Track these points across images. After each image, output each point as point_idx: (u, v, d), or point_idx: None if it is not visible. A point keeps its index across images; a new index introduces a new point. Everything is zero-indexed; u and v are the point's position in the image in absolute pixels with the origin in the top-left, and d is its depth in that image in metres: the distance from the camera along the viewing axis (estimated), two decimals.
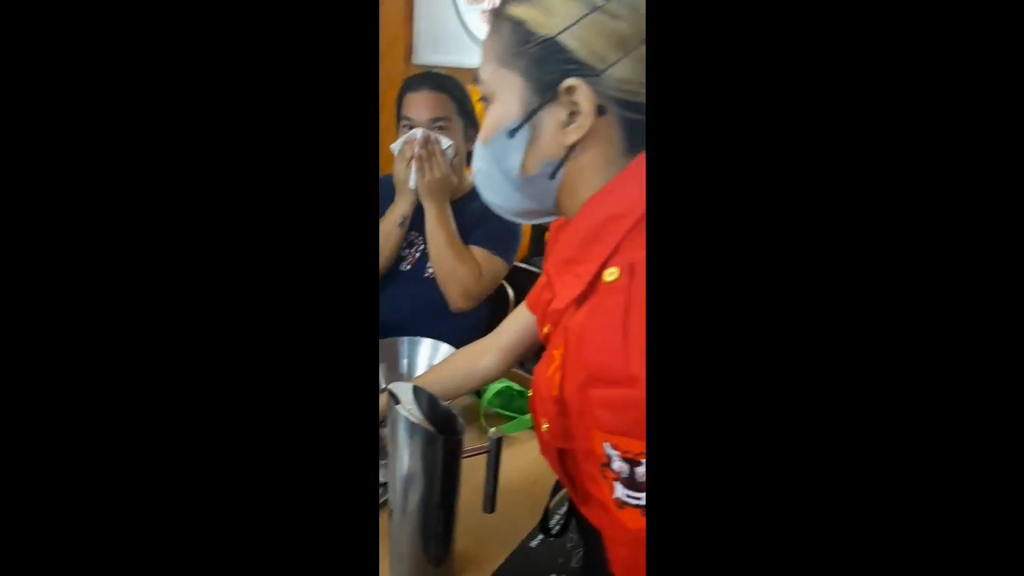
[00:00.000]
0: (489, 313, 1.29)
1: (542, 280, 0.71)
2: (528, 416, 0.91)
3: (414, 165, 1.19)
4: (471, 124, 1.26)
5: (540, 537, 0.72)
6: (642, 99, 0.47)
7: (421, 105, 1.23)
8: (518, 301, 1.11)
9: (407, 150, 1.20)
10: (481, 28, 1.89)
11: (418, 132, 1.20)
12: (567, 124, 0.48)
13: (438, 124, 1.23)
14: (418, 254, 1.28)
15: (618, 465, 0.41)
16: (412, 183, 1.21)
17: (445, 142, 1.20)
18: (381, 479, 0.74)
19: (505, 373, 0.87)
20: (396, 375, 1.00)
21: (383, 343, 1.00)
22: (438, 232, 1.18)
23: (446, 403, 0.63)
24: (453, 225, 1.20)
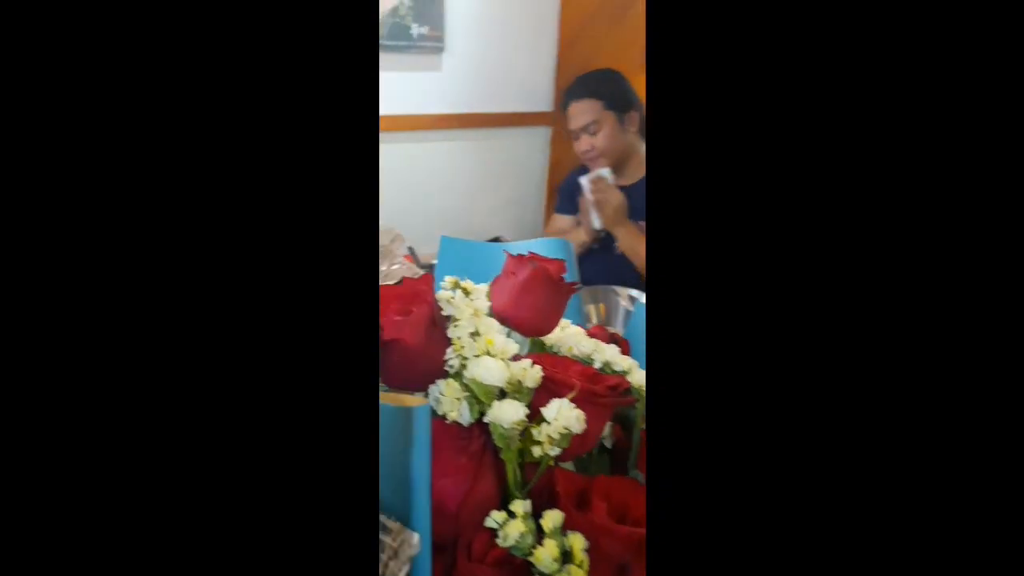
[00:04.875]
0: None
1: None
2: None
3: (592, 210, 1.34)
4: (626, 109, 1.39)
5: None
6: None
7: (569, 118, 1.42)
8: None
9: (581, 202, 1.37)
10: None
11: (583, 180, 1.36)
12: None
13: (589, 130, 1.40)
14: None
15: None
16: (598, 224, 1.35)
17: (603, 172, 1.35)
18: None
19: None
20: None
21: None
22: (637, 247, 1.30)
23: None
24: (643, 235, 1.28)
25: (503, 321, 0.47)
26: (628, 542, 0.37)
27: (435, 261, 1.17)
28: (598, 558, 0.37)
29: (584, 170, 1.50)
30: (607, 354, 0.48)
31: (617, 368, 0.47)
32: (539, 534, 0.37)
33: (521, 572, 0.36)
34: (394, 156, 1.78)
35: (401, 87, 1.78)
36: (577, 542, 0.37)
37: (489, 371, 0.39)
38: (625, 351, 0.50)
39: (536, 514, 0.37)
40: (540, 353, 0.48)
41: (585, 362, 0.48)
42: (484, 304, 0.43)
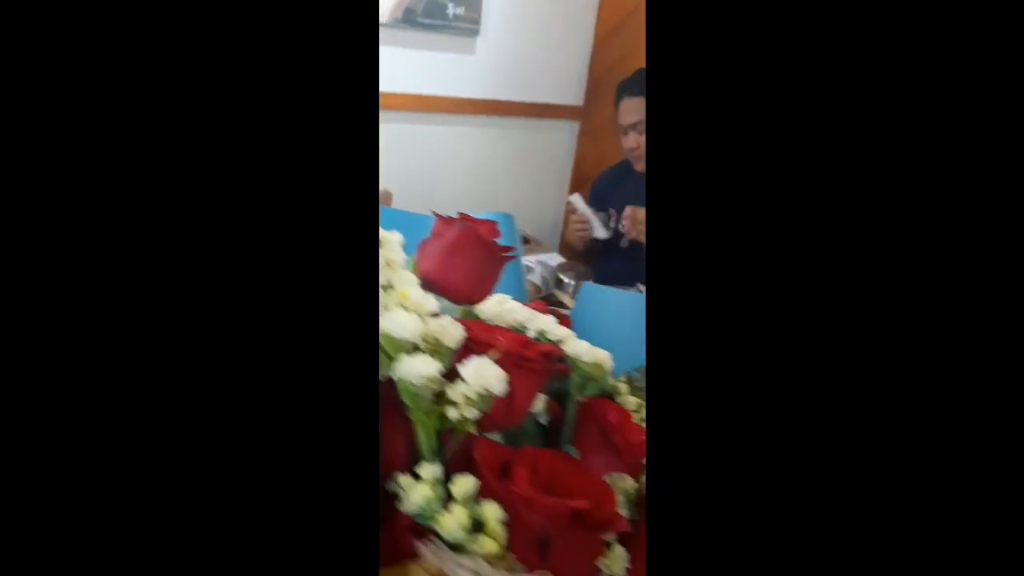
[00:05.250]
0: None
1: None
2: None
3: (631, 235, 1.45)
4: None
5: None
6: None
7: (621, 113, 1.46)
8: None
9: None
10: None
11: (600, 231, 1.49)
12: None
13: (638, 129, 1.44)
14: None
15: None
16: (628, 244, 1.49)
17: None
18: None
19: None
20: None
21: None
22: None
23: None
24: None
25: (430, 286, 0.43)
26: (551, 513, 0.32)
27: None
28: (518, 529, 0.32)
29: (627, 164, 1.57)
30: (542, 323, 0.44)
31: (552, 337, 0.43)
32: (449, 501, 0.32)
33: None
34: (417, 136, 1.74)
35: (432, 67, 1.74)
36: (491, 511, 0.32)
37: (400, 324, 0.35)
38: (564, 324, 0.46)
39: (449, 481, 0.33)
40: (468, 320, 0.44)
41: (518, 330, 0.44)
42: (399, 256, 0.39)
